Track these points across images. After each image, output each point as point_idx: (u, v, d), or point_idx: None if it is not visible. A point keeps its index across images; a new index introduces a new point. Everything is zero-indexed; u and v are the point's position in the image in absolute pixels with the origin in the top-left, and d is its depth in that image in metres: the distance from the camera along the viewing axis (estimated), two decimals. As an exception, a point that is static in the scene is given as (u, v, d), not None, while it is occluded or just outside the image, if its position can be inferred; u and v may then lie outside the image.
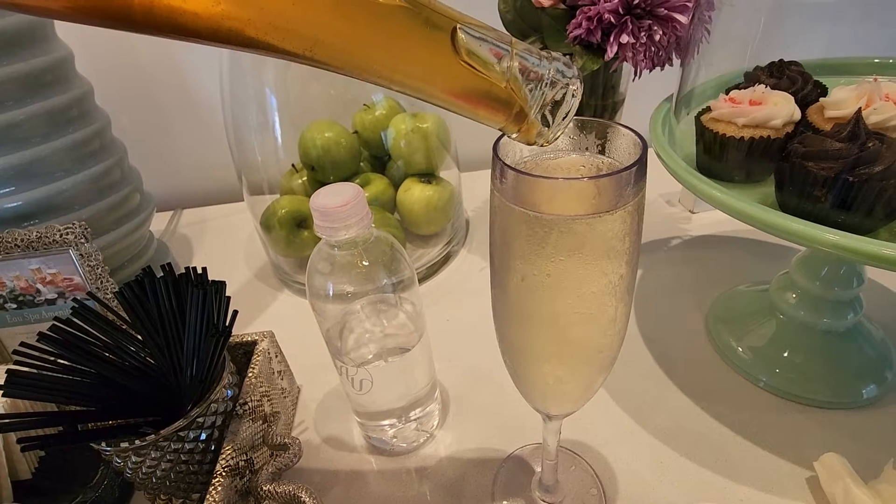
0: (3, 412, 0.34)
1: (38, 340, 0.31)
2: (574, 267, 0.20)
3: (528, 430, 0.40)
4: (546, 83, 0.20)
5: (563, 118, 0.21)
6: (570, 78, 0.20)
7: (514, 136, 0.21)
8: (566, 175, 0.22)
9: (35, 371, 0.31)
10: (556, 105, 0.20)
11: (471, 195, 0.68)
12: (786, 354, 0.42)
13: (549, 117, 0.20)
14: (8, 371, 0.30)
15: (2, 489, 0.35)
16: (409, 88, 0.18)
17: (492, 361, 0.45)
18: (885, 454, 0.35)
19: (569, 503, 0.35)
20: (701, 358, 0.45)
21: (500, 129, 0.21)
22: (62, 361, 0.32)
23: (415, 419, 0.39)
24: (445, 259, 0.60)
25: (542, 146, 0.22)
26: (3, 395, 0.29)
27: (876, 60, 0.40)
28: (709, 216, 0.64)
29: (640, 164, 0.19)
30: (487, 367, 0.46)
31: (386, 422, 0.39)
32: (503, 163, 0.19)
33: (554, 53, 0.21)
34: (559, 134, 0.21)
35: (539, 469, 0.37)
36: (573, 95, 0.20)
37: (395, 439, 0.39)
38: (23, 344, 0.31)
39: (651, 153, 0.37)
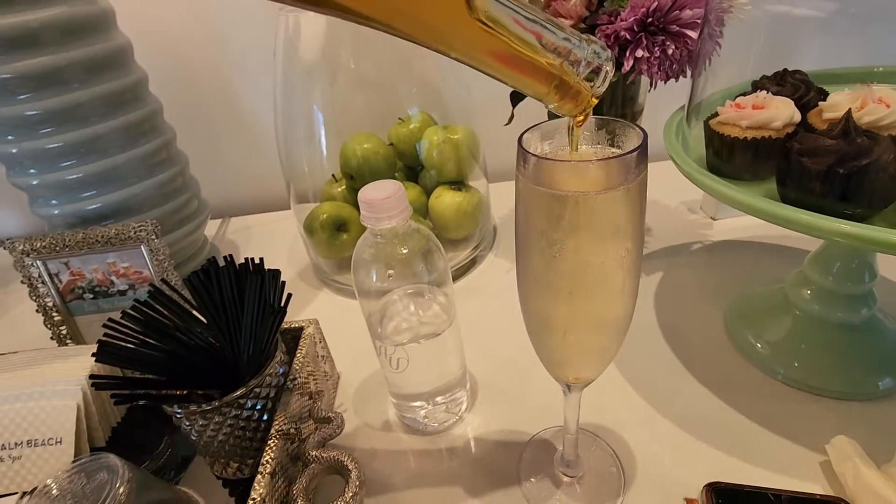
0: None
1: (121, 318, 0.36)
2: (586, 240, 0.23)
3: (550, 414, 0.42)
4: (583, 64, 0.21)
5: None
6: (605, 60, 0.22)
7: (551, 106, 0.23)
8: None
9: (119, 343, 0.36)
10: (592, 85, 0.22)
11: (498, 204, 0.72)
12: (803, 347, 0.44)
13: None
14: (99, 341, 0.35)
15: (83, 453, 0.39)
16: (447, 48, 0.20)
17: (517, 353, 0.48)
18: (899, 442, 0.36)
19: (589, 479, 0.38)
20: (720, 352, 0.47)
21: (540, 100, 0.23)
22: (140, 337, 0.36)
23: (443, 402, 0.43)
24: (473, 262, 0.63)
25: (579, 122, 0.24)
26: (96, 361, 0.34)
27: (878, 69, 0.42)
28: (729, 223, 0.65)
29: (641, 149, 0.22)
30: (513, 358, 0.49)
31: (418, 403, 0.42)
32: (526, 150, 0.23)
33: (591, 36, 0.21)
34: (593, 104, 0.23)
35: (561, 448, 0.39)
36: (605, 78, 0.22)
37: (426, 419, 0.43)
38: (111, 319, 0.36)
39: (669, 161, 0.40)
